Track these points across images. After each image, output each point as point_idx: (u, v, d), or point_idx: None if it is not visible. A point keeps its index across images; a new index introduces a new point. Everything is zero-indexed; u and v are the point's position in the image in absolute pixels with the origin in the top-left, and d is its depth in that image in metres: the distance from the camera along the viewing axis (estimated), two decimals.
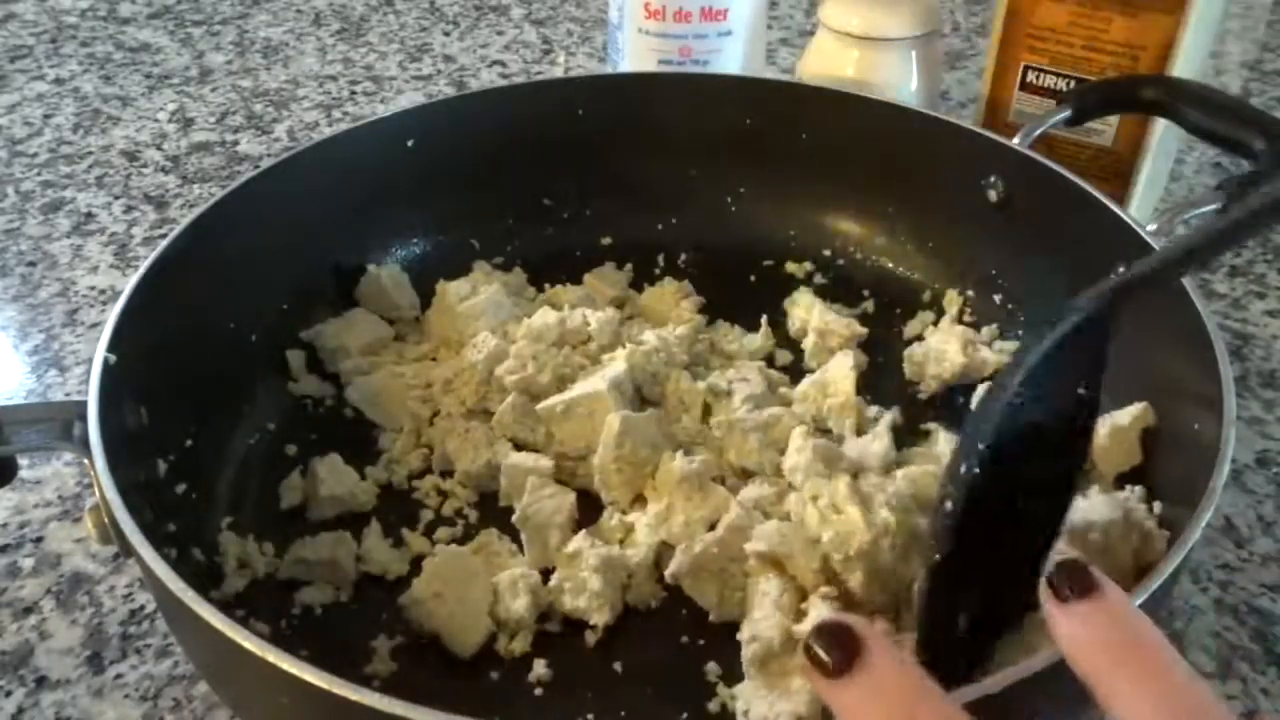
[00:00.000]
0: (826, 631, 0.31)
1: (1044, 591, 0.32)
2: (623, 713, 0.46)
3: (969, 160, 0.65)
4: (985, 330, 0.65)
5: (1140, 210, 0.74)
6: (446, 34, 1.09)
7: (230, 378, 0.58)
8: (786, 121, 0.71)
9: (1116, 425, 0.54)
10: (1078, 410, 0.38)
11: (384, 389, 0.61)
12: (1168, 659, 0.30)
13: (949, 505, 0.35)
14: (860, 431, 0.58)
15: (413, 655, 0.49)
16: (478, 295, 0.64)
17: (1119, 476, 0.53)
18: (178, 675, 0.50)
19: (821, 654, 0.30)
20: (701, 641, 0.49)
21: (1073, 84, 0.73)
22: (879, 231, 0.72)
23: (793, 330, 0.67)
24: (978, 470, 0.35)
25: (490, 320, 0.63)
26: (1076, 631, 0.31)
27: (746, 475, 0.55)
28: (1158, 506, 0.50)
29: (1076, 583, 0.31)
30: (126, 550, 0.43)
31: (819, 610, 0.46)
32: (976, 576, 0.37)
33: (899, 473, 0.52)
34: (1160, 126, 0.71)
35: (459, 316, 0.63)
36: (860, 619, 0.31)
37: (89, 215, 0.82)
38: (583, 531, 0.52)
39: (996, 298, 0.67)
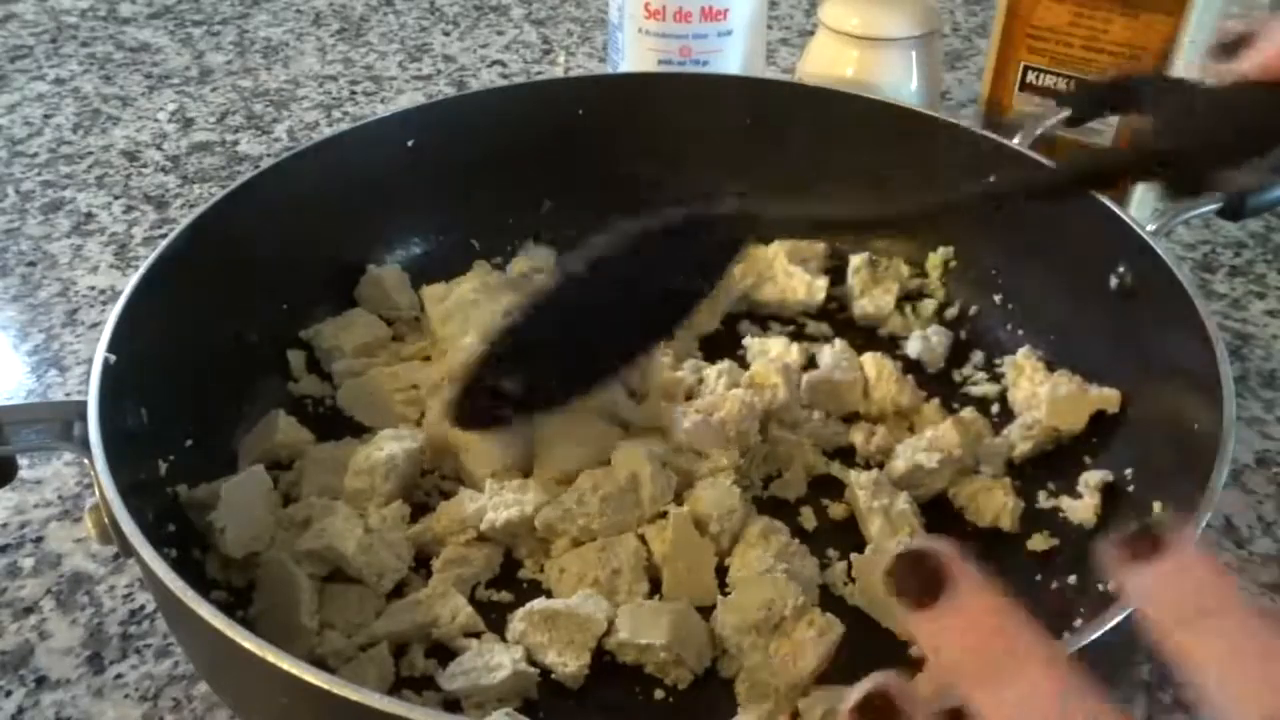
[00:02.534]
0: (911, 559, 0.29)
1: (1112, 550, 0.29)
2: None
3: (969, 160, 0.65)
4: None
5: (1140, 210, 0.74)
6: (446, 34, 1.09)
7: (230, 378, 0.58)
8: (786, 121, 0.71)
9: (1077, 393, 0.57)
10: (671, 291, 0.47)
11: (374, 390, 0.60)
12: (1246, 606, 0.28)
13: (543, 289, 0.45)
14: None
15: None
16: (469, 295, 0.64)
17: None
18: (178, 675, 0.50)
19: (907, 582, 0.29)
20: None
21: (1073, 84, 0.73)
22: (879, 231, 0.72)
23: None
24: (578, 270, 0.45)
25: (484, 320, 0.62)
26: (1149, 589, 0.29)
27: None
28: (1158, 506, 0.50)
29: (1147, 538, 0.29)
30: (126, 550, 0.43)
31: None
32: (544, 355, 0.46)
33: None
34: None
35: (452, 318, 0.63)
36: (947, 547, 0.29)
37: (89, 215, 0.82)
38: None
39: (996, 298, 0.67)
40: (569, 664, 0.47)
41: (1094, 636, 0.36)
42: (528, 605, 0.49)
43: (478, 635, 0.49)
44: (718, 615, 0.49)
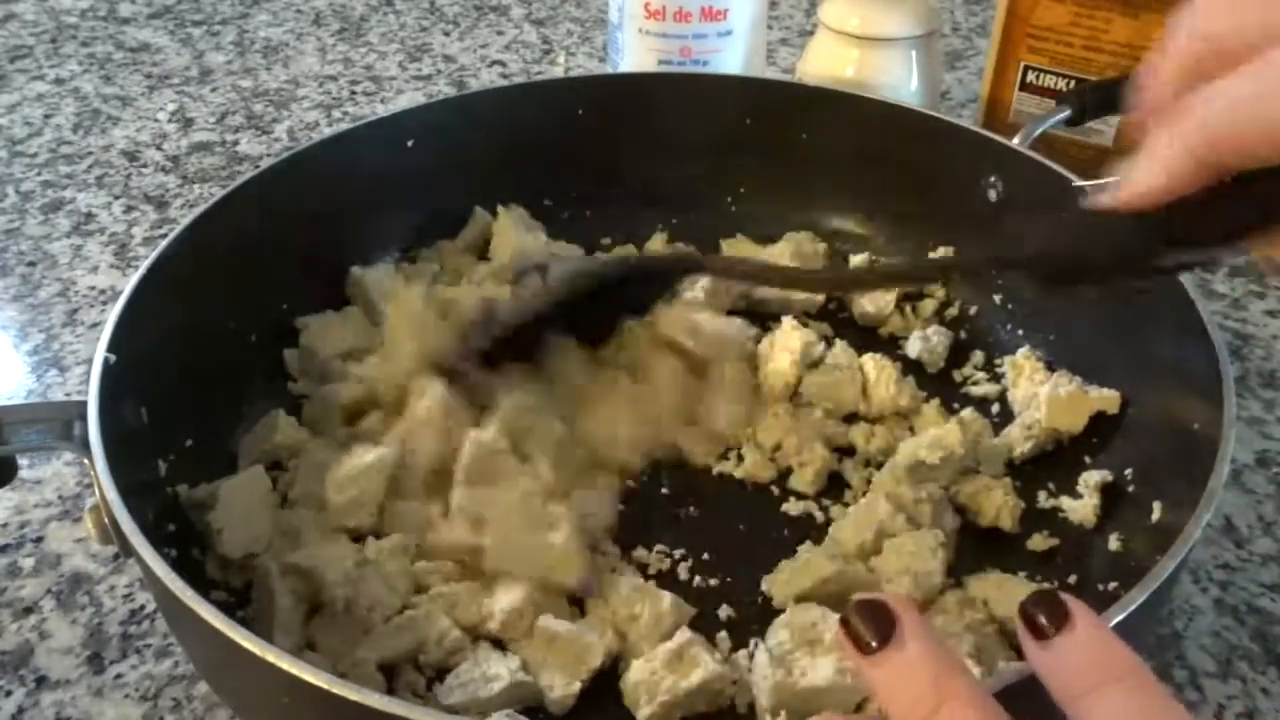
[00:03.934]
0: (865, 608, 0.32)
1: (1020, 628, 0.32)
2: None
3: (969, 160, 0.65)
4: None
5: None
6: (446, 34, 1.09)
7: (230, 378, 0.58)
8: (786, 121, 0.71)
9: (1077, 393, 0.57)
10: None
11: (334, 405, 0.59)
12: (1144, 679, 0.30)
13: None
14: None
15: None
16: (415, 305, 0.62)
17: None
18: (178, 675, 0.50)
19: (858, 629, 0.31)
20: None
21: (1073, 84, 0.73)
22: (879, 231, 0.72)
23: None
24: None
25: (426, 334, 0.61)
26: (1054, 665, 0.31)
27: None
28: (1158, 506, 0.50)
29: (1050, 615, 0.31)
30: (126, 550, 0.43)
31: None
32: None
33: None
34: None
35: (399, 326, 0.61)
36: (899, 597, 0.32)
37: (89, 215, 0.82)
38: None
39: (997, 298, 0.67)
40: (556, 688, 0.46)
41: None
42: (541, 616, 0.48)
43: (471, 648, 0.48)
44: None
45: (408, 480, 0.54)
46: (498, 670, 0.45)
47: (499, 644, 0.48)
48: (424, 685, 0.47)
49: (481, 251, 0.70)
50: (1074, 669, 0.31)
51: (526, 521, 0.50)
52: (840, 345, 0.63)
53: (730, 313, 0.67)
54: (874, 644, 0.31)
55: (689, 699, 0.45)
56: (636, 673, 0.46)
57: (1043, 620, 0.31)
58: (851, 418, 0.60)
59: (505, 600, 0.48)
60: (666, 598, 0.49)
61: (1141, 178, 0.36)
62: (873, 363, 0.61)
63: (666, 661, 0.46)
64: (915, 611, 0.32)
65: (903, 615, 0.31)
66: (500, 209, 0.70)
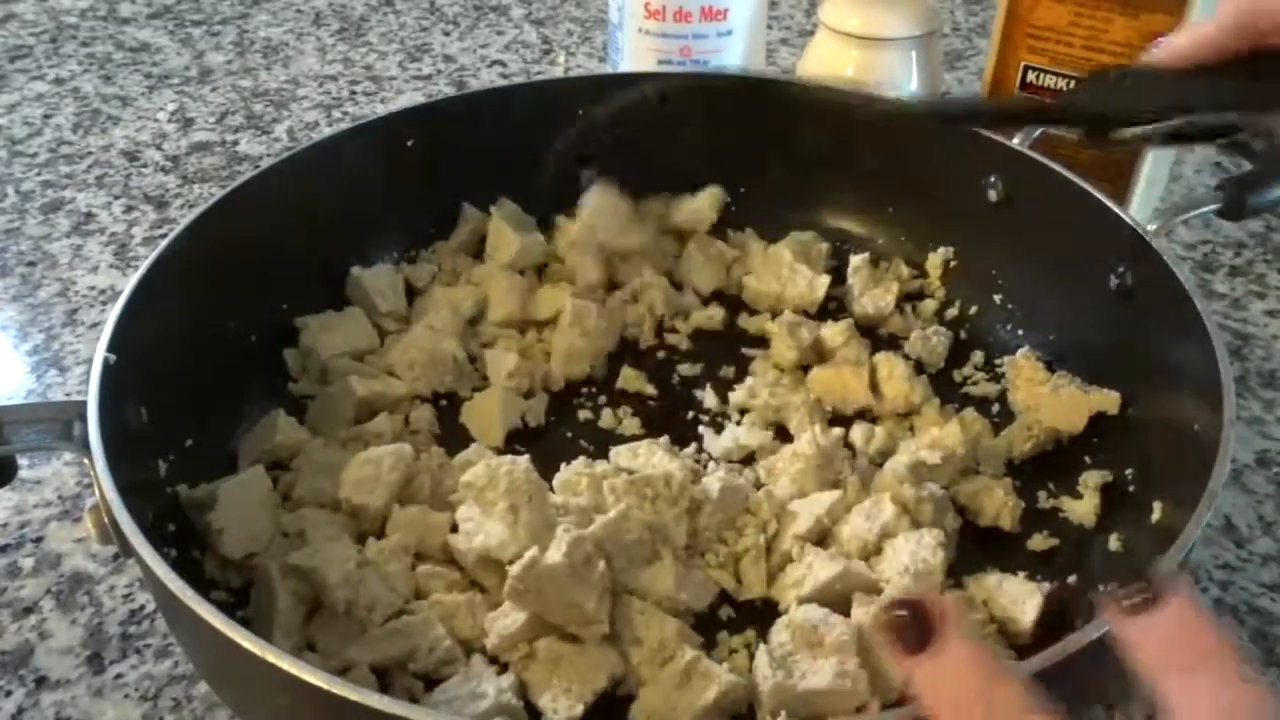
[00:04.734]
0: (905, 607, 0.31)
1: (1109, 602, 0.32)
2: None
3: (969, 160, 0.65)
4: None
5: (1140, 210, 0.74)
6: (446, 34, 1.09)
7: (230, 378, 0.58)
8: (786, 121, 0.71)
9: (1077, 393, 0.57)
10: None
11: (342, 404, 0.59)
12: (1228, 659, 0.30)
13: None
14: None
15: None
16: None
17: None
18: (178, 675, 0.50)
19: (899, 629, 0.31)
20: None
21: (1073, 84, 0.73)
22: (879, 231, 0.72)
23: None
24: None
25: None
26: (1142, 639, 0.31)
27: None
28: (1158, 506, 0.50)
29: (1141, 593, 0.31)
30: (126, 550, 0.43)
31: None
32: None
33: None
34: None
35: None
36: (939, 596, 0.32)
37: (89, 215, 0.82)
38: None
39: (997, 298, 0.67)
40: (559, 710, 0.45)
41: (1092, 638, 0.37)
42: (537, 640, 0.47)
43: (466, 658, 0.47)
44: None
45: (418, 484, 0.54)
46: (485, 689, 0.44)
47: (498, 661, 0.47)
48: (422, 689, 0.46)
49: (476, 250, 0.70)
50: (1162, 645, 0.30)
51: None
52: (844, 326, 0.63)
53: (730, 311, 0.67)
54: (915, 645, 0.31)
55: (706, 717, 0.45)
56: (648, 700, 0.45)
57: (1134, 598, 0.31)
58: (849, 420, 0.60)
59: (504, 622, 0.47)
60: (672, 622, 0.48)
61: (1181, 38, 0.44)
62: (885, 361, 0.61)
63: (676, 684, 0.45)
64: (955, 612, 0.31)
65: (944, 615, 0.31)
66: (493, 207, 0.70)
